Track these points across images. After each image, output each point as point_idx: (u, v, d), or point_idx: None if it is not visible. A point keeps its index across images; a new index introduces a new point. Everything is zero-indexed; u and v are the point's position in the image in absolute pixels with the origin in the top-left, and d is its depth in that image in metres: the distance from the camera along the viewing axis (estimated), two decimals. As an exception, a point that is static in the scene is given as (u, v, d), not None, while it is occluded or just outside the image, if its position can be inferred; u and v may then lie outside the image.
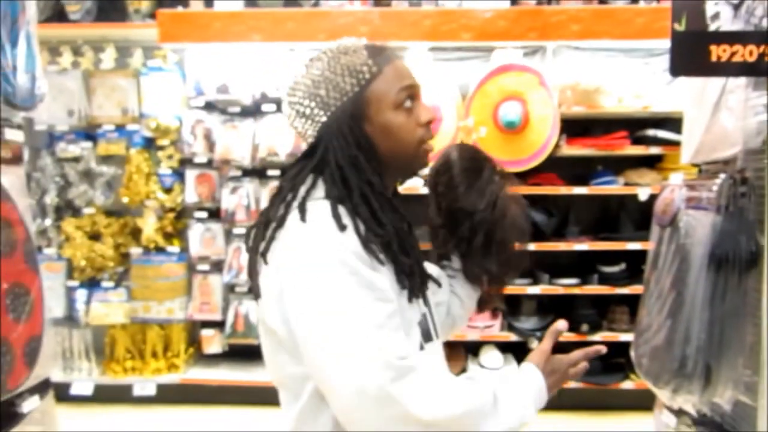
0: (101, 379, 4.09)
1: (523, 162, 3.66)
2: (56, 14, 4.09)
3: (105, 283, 4.16)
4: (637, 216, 3.98)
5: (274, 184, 3.92)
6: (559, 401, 4.23)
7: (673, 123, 3.62)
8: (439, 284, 1.34)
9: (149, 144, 4.17)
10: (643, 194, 3.77)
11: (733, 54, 1.62)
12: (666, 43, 1.69)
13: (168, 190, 4.13)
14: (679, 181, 2.10)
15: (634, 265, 3.82)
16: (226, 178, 4.10)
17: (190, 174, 4.12)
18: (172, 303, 4.12)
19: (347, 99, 1.15)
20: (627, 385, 3.84)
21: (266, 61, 3.95)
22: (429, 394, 1.00)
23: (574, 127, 3.85)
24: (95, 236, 4.15)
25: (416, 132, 1.19)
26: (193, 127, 4.05)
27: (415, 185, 3.86)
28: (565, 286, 3.93)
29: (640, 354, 2.15)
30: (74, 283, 4.17)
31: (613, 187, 3.90)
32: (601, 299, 3.98)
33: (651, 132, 3.79)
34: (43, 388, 1.98)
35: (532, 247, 3.47)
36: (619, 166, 3.98)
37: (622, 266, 3.93)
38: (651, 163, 3.98)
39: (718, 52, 1.63)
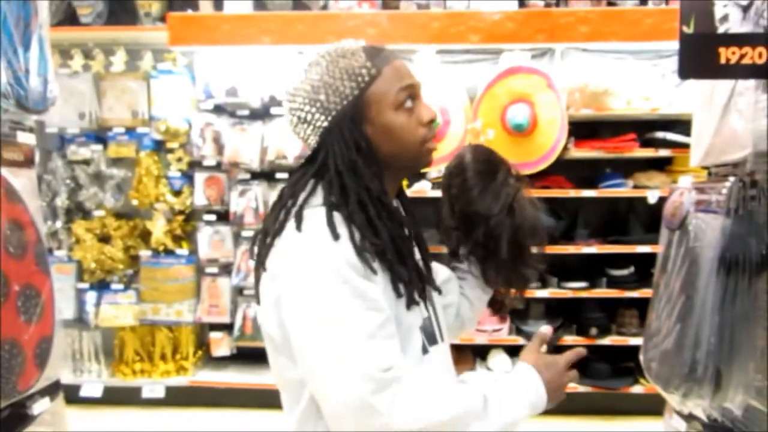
0: (110, 381, 4.11)
1: (532, 165, 3.65)
2: (68, 17, 4.13)
3: (114, 285, 4.19)
4: (646, 219, 3.96)
5: (282, 186, 3.94)
6: (569, 406, 4.20)
7: (682, 125, 3.61)
8: (439, 291, 1.32)
9: (159, 147, 4.20)
10: (652, 197, 3.76)
11: (742, 56, 1.61)
12: (675, 45, 1.68)
13: (177, 193, 4.15)
14: (689, 183, 2.09)
15: (643, 269, 3.81)
16: (235, 181, 4.12)
17: (199, 177, 4.14)
18: (180, 305, 4.13)
19: (347, 102, 1.15)
20: (637, 389, 3.82)
21: (275, 63, 3.96)
22: (411, 405, 1.00)
23: (582, 130, 3.85)
24: (105, 238, 4.18)
25: (418, 131, 1.19)
26: (203, 130, 4.06)
27: (423, 188, 3.87)
28: (574, 289, 3.91)
29: (649, 358, 2.13)
30: (84, 285, 4.20)
31: (621, 189, 3.89)
32: (610, 302, 3.97)
33: (660, 134, 3.78)
34: (53, 389, 1.99)
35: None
36: (627, 168, 3.97)
37: (631, 269, 3.92)
38: (660, 165, 3.97)
39: (727, 55, 1.62)
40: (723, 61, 1.62)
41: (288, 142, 3.95)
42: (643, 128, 3.92)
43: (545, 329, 1.35)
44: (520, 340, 3.94)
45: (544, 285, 3.95)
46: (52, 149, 4.22)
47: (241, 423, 3.85)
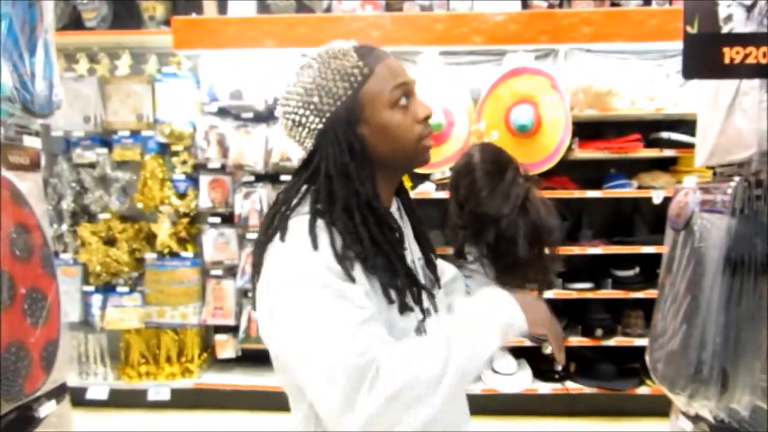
0: (116, 383, 4.11)
1: (536, 165, 3.64)
2: (73, 22, 4.16)
3: (120, 288, 4.20)
4: (650, 219, 3.95)
5: (278, 192, 3.95)
6: (575, 407, 4.20)
7: (686, 125, 3.61)
8: (432, 294, 1.28)
9: (164, 149, 4.21)
10: (656, 197, 3.75)
11: (746, 56, 1.61)
12: (679, 45, 1.68)
13: (182, 196, 4.15)
14: (693, 184, 2.09)
15: (649, 269, 3.80)
16: (239, 183, 4.12)
17: (204, 179, 4.15)
18: (186, 308, 4.14)
19: (341, 104, 1.15)
20: (643, 390, 3.81)
21: (279, 66, 3.97)
22: (396, 394, 0.96)
23: (586, 130, 3.84)
24: (110, 241, 4.19)
25: (414, 129, 1.18)
26: (207, 133, 4.07)
27: (427, 190, 3.86)
28: (579, 290, 3.91)
29: (655, 359, 2.13)
30: (90, 287, 4.21)
31: (626, 190, 3.88)
32: (615, 303, 3.96)
33: (664, 134, 3.77)
34: (59, 392, 2.00)
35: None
36: (632, 169, 3.96)
37: (636, 270, 3.91)
38: (665, 165, 3.96)
39: (732, 54, 1.62)
40: (727, 60, 1.62)
41: (292, 144, 3.95)
42: (648, 128, 3.91)
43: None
44: (525, 342, 3.92)
45: (548, 287, 3.94)
46: (57, 153, 4.24)
47: (247, 425, 3.85)
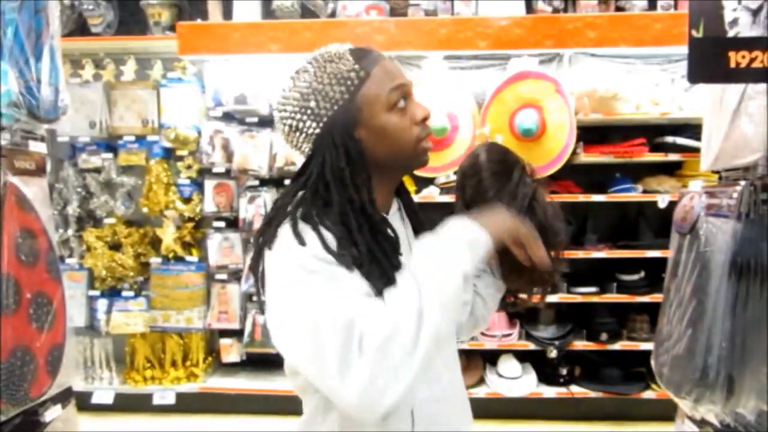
0: (121, 387, 4.12)
1: (540, 170, 3.64)
2: (79, 28, 4.18)
3: (125, 293, 4.21)
4: (656, 223, 3.95)
5: (276, 198, 3.96)
6: (580, 411, 4.18)
7: (692, 129, 3.60)
8: None
9: (168, 154, 4.22)
10: (662, 201, 3.74)
11: (752, 60, 1.60)
12: (684, 49, 1.67)
13: (187, 200, 4.17)
14: (699, 188, 2.08)
15: (654, 273, 3.79)
16: (244, 188, 4.13)
17: (209, 184, 4.16)
18: (190, 312, 4.15)
19: (338, 108, 1.14)
20: (648, 394, 3.80)
21: (284, 71, 3.97)
22: (384, 356, 0.92)
23: (591, 135, 3.83)
24: (116, 246, 4.21)
25: (413, 131, 1.18)
26: (212, 138, 4.08)
27: (431, 194, 3.86)
28: (584, 294, 3.90)
29: (660, 363, 2.12)
30: (95, 292, 4.23)
31: (631, 194, 3.87)
32: (620, 308, 3.95)
33: (670, 139, 3.76)
34: (65, 396, 2.00)
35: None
36: (637, 173, 3.95)
37: (642, 274, 3.90)
38: (670, 170, 3.95)
39: (737, 59, 1.61)
40: (733, 64, 1.61)
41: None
42: (653, 133, 3.90)
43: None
44: (530, 346, 3.93)
45: (554, 290, 3.94)
46: (63, 158, 4.26)
47: (252, 429, 3.85)
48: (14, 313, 1.73)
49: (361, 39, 3.75)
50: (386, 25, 3.85)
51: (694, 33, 1.66)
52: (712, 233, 1.88)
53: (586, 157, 3.76)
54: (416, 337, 0.93)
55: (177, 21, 4.06)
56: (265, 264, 1.09)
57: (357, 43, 1.23)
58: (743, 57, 1.61)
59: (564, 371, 3.93)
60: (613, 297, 3.89)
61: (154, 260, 4.19)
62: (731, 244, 1.73)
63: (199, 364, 4.17)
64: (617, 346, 3.88)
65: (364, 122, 1.14)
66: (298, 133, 1.18)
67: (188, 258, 4.18)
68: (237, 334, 4.20)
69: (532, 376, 3.95)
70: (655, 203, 3.76)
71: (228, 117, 4.18)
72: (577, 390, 3.87)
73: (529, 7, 4.03)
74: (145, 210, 4.13)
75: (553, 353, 3.86)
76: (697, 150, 2.46)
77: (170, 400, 4.06)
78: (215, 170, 4.12)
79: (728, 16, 1.68)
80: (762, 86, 1.74)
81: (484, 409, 3.74)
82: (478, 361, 4.07)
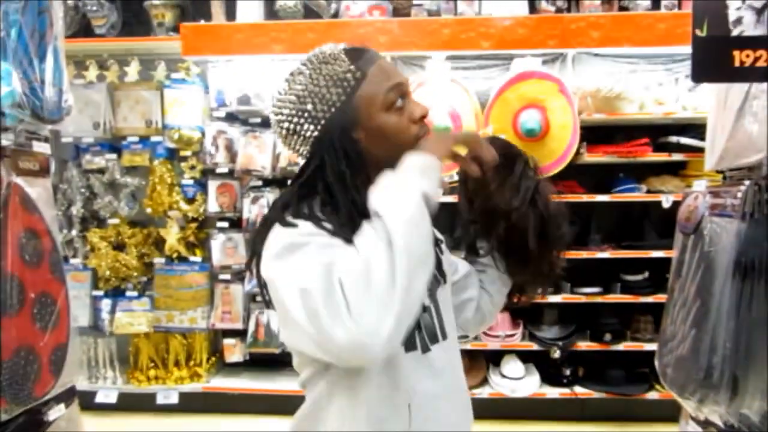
0: (125, 387, 4.13)
1: (544, 170, 3.63)
2: (83, 29, 4.20)
3: (129, 293, 4.22)
4: (660, 224, 3.93)
5: (275, 199, 3.97)
6: (583, 412, 4.18)
7: (696, 129, 3.59)
8: (442, 279, 1.28)
9: (172, 155, 4.23)
10: (666, 201, 3.73)
11: (756, 59, 1.60)
12: (688, 49, 1.67)
13: (190, 201, 4.17)
14: (703, 187, 2.08)
15: (658, 274, 3.78)
16: (247, 188, 4.14)
17: (212, 184, 4.16)
18: (194, 312, 4.15)
19: (335, 110, 1.14)
20: (652, 395, 3.79)
21: (287, 72, 3.98)
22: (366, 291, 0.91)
23: (595, 134, 3.83)
24: (119, 246, 4.22)
25: (411, 130, 1.17)
26: (215, 138, 4.09)
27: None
28: (588, 294, 3.89)
29: (664, 364, 2.12)
30: (99, 292, 4.23)
31: (635, 194, 3.86)
32: (624, 308, 3.94)
33: (674, 138, 3.75)
34: (68, 396, 2.01)
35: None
36: (641, 173, 3.95)
37: (646, 275, 3.89)
38: (674, 169, 3.94)
39: (742, 57, 1.61)
40: (737, 64, 1.61)
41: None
42: (657, 132, 3.89)
43: None
44: (533, 346, 3.92)
45: (557, 290, 3.93)
46: (67, 159, 4.27)
47: (255, 429, 3.85)
48: (18, 312, 1.73)
49: (364, 39, 3.75)
50: (389, 25, 3.85)
51: (697, 32, 1.65)
52: (717, 233, 1.88)
53: (589, 157, 3.76)
54: (391, 261, 0.92)
55: (180, 22, 4.07)
56: (263, 255, 1.08)
57: (360, 44, 1.23)
58: (747, 56, 1.60)
59: (567, 372, 3.93)
60: (616, 297, 3.88)
61: (158, 260, 4.20)
62: (735, 244, 1.73)
63: (203, 364, 4.17)
64: (621, 346, 3.87)
65: (362, 123, 1.14)
66: (295, 136, 1.17)
67: (192, 258, 4.19)
68: (240, 334, 4.21)
69: (535, 376, 3.94)
70: (659, 203, 3.75)
71: (231, 117, 4.19)
72: (580, 390, 3.87)
73: (533, 7, 4.02)
74: (148, 210, 4.13)
75: (556, 354, 3.86)
76: (701, 150, 2.46)
77: (173, 399, 4.06)
78: (219, 171, 4.13)
79: (732, 15, 1.67)
80: (766, 85, 1.74)
81: (487, 410, 3.73)
82: (481, 361, 4.07)
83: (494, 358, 4.08)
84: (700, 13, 1.65)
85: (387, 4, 4.06)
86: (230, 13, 4.15)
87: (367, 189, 1.09)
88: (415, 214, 0.98)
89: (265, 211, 3.97)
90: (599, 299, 3.89)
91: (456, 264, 1.44)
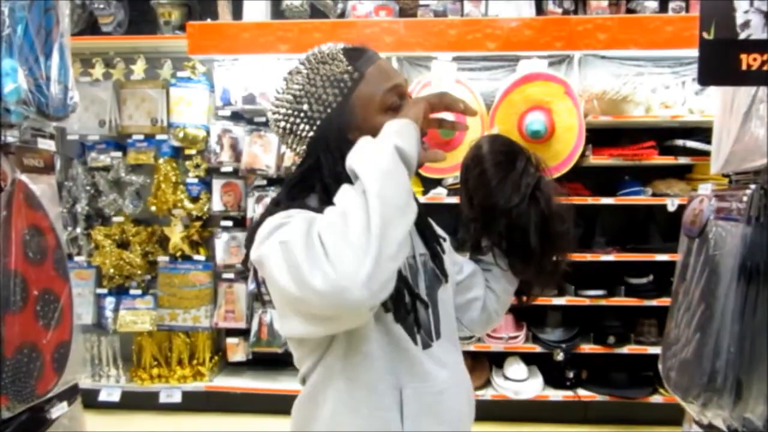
0: (128, 386, 4.13)
1: (548, 172, 3.62)
2: (89, 27, 4.22)
3: (133, 291, 4.23)
4: (665, 227, 3.92)
5: (273, 198, 3.98)
6: (586, 414, 4.16)
7: (702, 132, 3.58)
8: (444, 278, 1.28)
9: (177, 153, 4.24)
10: (671, 205, 3.72)
11: (764, 62, 1.59)
12: (695, 52, 1.66)
13: (195, 199, 4.18)
14: (709, 191, 2.07)
15: (662, 277, 3.77)
16: (252, 187, 4.14)
17: (217, 183, 4.17)
18: (197, 311, 4.16)
19: (332, 110, 1.14)
20: (655, 398, 3.78)
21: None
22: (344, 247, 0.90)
23: (600, 137, 3.82)
24: (124, 244, 4.23)
25: None
26: (220, 137, 4.10)
27: (439, 194, 3.86)
28: (591, 297, 3.88)
29: (668, 367, 2.11)
30: (103, 290, 4.25)
31: (640, 197, 3.85)
32: (628, 311, 3.92)
33: (680, 142, 3.74)
34: (71, 393, 2.01)
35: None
36: (647, 176, 3.93)
37: (650, 278, 3.87)
38: (680, 173, 3.93)
39: (749, 61, 1.60)
40: (744, 67, 1.60)
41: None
42: (663, 135, 3.88)
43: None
44: (537, 348, 3.91)
45: (561, 293, 3.92)
46: (73, 156, 4.28)
47: (257, 428, 3.85)
48: (21, 310, 1.73)
49: (370, 39, 3.75)
50: (395, 25, 3.85)
51: (705, 35, 1.64)
52: (722, 237, 1.87)
53: (595, 160, 3.75)
54: (365, 208, 0.92)
55: (187, 20, 4.08)
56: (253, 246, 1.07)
57: (366, 44, 1.22)
58: (755, 59, 1.59)
59: (571, 374, 3.92)
60: (621, 300, 3.87)
61: (162, 259, 4.21)
62: (741, 248, 1.72)
63: (206, 363, 4.18)
64: (625, 349, 3.85)
65: (359, 124, 1.13)
66: (292, 136, 1.18)
67: (195, 257, 4.19)
68: (243, 333, 4.21)
69: (538, 378, 3.93)
70: (664, 206, 3.74)
71: (236, 116, 4.20)
72: (584, 393, 3.85)
73: (539, 8, 4.02)
74: (153, 209, 4.14)
75: (560, 356, 3.85)
76: (707, 153, 2.45)
77: (176, 398, 4.07)
78: (223, 169, 4.13)
79: (740, 18, 1.66)
80: (773, 89, 1.73)
81: (490, 412, 3.72)
82: (484, 363, 4.06)
83: (497, 360, 4.08)
84: (707, 15, 1.64)
85: (393, 4, 4.06)
86: (237, 12, 4.15)
87: None
88: (388, 164, 0.98)
89: (269, 210, 4.00)
90: (603, 302, 3.88)
91: (461, 263, 1.44)
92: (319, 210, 1.02)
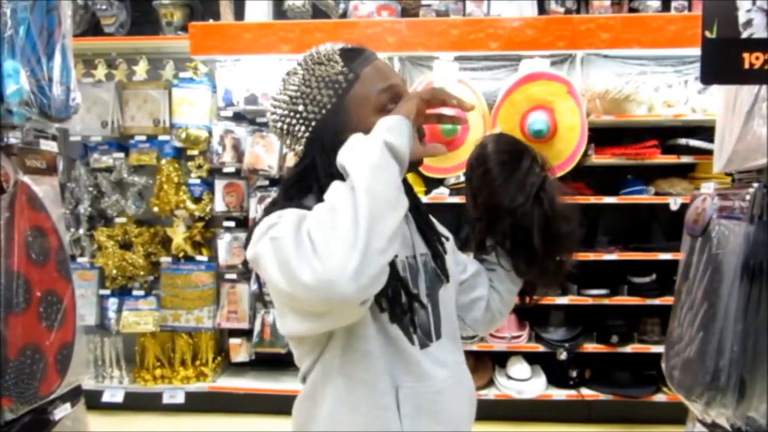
0: (131, 387, 4.14)
1: (551, 172, 3.62)
2: (92, 28, 4.22)
3: (136, 292, 4.23)
4: (668, 226, 3.91)
5: (273, 198, 3.98)
6: (590, 414, 4.15)
7: (705, 131, 3.57)
8: (445, 278, 1.27)
9: (179, 154, 4.24)
10: (674, 204, 3.71)
11: (766, 61, 1.59)
12: (698, 51, 1.66)
13: (197, 200, 4.18)
14: (711, 190, 2.07)
15: (666, 276, 3.76)
16: (254, 188, 4.14)
17: (219, 183, 4.17)
18: (200, 312, 4.16)
19: (326, 111, 1.14)
20: (659, 397, 3.77)
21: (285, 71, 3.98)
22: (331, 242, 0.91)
23: (603, 136, 3.81)
24: (126, 245, 4.23)
25: None
26: (223, 138, 4.10)
27: (441, 194, 3.86)
28: (594, 296, 3.87)
29: (671, 366, 2.11)
30: (106, 291, 4.25)
31: (643, 196, 3.85)
32: (631, 310, 3.92)
33: (682, 141, 3.73)
34: (74, 395, 2.02)
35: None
36: (649, 175, 3.93)
37: (653, 277, 3.87)
38: (682, 172, 3.92)
39: (751, 60, 1.60)
40: (747, 66, 1.60)
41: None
42: (666, 135, 3.87)
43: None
44: (539, 348, 3.91)
45: (564, 292, 3.92)
46: (75, 157, 4.29)
47: (260, 429, 3.85)
48: (24, 311, 1.74)
49: (372, 39, 3.75)
50: (397, 25, 3.84)
51: (707, 34, 1.64)
52: (725, 235, 1.87)
53: (597, 159, 3.74)
54: (353, 202, 0.92)
55: (189, 21, 4.08)
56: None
57: (368, 44, 1.22)
58: (757, 58, 1.59)
59: (574, 373, 3.91)
60: (624, 299, 3.86)
61: (165, 260, 4.21)
62: (743, 247, 1.72)
63: (209, 363, 4.18)
64: (628, 348, 3.85)
65: (354, 126, 1.13)
66: (289, 136, 1.19)
67: (198, 257, 4.20)
68: (246, 333, 4.21)
69: (541, 378, 3.93)
70: (667, 205, 3.74)
71: (238, 117, 4.20)
72: (587, 392, 3.85)
73: (542, 7, 4.01)
74: (155, 209, 4.15)
75: (563, 355, 3.84)
76: (710, 152, 2.44)
77: (180, 399, 4.07)
78: (225, 170, 4.13)
79: (742, 17, 1.66)
80: (776, 88, 1.73)
81: (493, 411, 3.72)
82: (487, 362, 4.06)
83: (500, 360, 4.07)
84: (710, 14, 1.64)
85: (395, 4, 4.06)
86: (239, 13, 4.15)
87: None
88: (376, 160, 0.98)
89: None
90: (606, 301, 3.87)
91: (465, 263, 1.44)
92: None
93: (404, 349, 1.15)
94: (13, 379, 1.69)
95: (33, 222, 1.81)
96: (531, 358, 4.01)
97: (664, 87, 3.86)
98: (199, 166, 4.19)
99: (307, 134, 1.16)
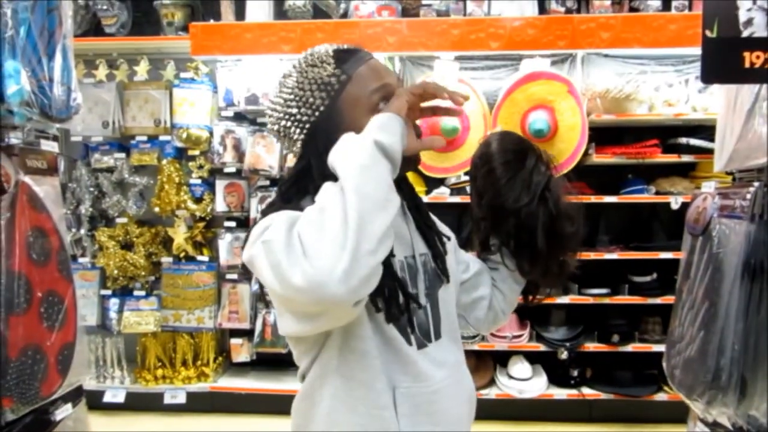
0: (133, 387, 4.14)
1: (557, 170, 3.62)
2: (93, 28, 4.23)
3: (137, 292, 4.24)
4: (669, 225, 3.92)
5: (272, 199, 3.98)
6: (591, 413, 4.15)
7: (705, 130, 3.57)
8: (445, 278, 1.28)
9: (180, 154, 4.24)
10: (675, 203, 3.71)
11: (767, 60, 1.59)
12: (698, 50, 1.66)
13: (198, 200, 4.18)
14: (712, 189, 2.07)
15: (667, 275, 3.76)
16: (255, 188, 4.14)
17: (220, 184, 4.17)
18: (201, 312, 4.16)
19: (320, 114, 1.14)
20: (660, 396, 3.77)
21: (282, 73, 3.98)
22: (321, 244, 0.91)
23: (604, 136, 3.81)
24: (128, 245, 4.23)
25: None
26: (223, 138, 4.10)
27: (442, 193, 3.85)
28: (595, 296, 3.87)
29: (672, 365, 2.11)
30: (107, 291, 4.26)
31: (644, 195, 3.84)
32: (632, 309, 3.92)
33: (683, 140, 3.73)
34: (75, 395, 2.02)
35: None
36: (650, 174, 3.93)
37: (654, 276, 3.87)
38: (683, 171, 3.92)
39: (752, 59, 1.60)
40: (747, 65, 1.60)
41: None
42: (666, 134, 3.87)
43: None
44: (540, 347, 3.91)
45: (565, 291, 3.92)
46: (76, 158, 4.29)
47: (262, 429, 3.85)
48: (25, 311, 1.74)
49: (372, 39, 3.75)
50: (398, 25, 3.84)
51: (708, 33, 1.64)
52: (725, 235, 1.87)
53: (598, 159, 3.74)
54: (342, 202, 0.93)
55: (190, 21, 4.09)
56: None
57: (369, 44, 1.23)
58: (758, 57, 1.59)
59: (575, 373, 3.91)
60: (624, 299, 3.86)
61: (166, 260, 4.21)
62: (744, 246, 1.72)
63: (210, 363, 4.18)
64: (629, 347, 3.85)
65: (347, 127, 1.12)
66: (285, 138, 1.20)
67: (199, 258, 4.20)
68: (247, 333, 4.21)
69: (542, 377, 3.93)
70: (667, 205, 3.74)
71: (239, 117, 4.20)
72: (588, 392, 3.85)
73: (542, 7, 4.01)
74: (156, 210, 4.15)
75: (564, 355, 3.84)
76: (710, 151, 2.44)
77: (181, 399, 4.07)
78: (226, 170, 4.14)
79: (743, 17, 1.66)
80: (776, 86, 1.73)
81: (494, 411, 3.72)
82: (488, 362, 4.06)
83: (501, 359, 4.07)
84: (710, 14, 1.64)
85: (396, 4, 4.06)
86: (239, 13, 4.16)
87: None
88: (366, 159, 0.98)
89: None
90: (607, 300, 3.88)
91: (467, 262, 1.43)
92: None
93: (401, 349, 1.15)
94: (14, 380, 1.69)
95: (34, 222, 1.81)
96: (532, 357, 4.01)
97: (664, 86, 3.86)
98: (200, 167, 4.19)
99: (302, 136, 1.16)
